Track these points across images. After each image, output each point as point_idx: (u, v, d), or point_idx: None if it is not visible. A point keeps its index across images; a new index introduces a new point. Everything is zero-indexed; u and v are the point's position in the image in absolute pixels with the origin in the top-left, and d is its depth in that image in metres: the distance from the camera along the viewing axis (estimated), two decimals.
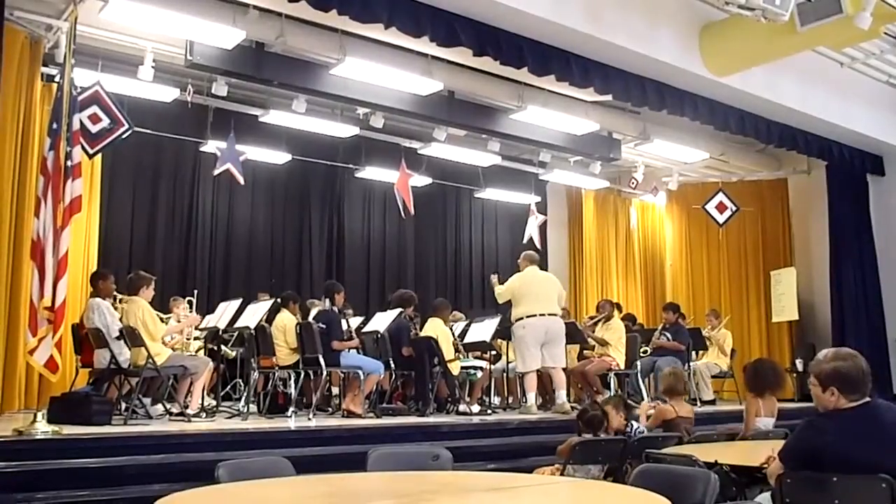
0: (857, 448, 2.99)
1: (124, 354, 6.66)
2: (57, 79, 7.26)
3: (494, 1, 6.61)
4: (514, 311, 8.14)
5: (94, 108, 7.10)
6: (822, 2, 6.62)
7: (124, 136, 7.43)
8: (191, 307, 8.53)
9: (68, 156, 5.43)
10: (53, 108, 5.64)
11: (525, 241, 11.58)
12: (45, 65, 7.69)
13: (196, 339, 8.33)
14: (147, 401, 6.98)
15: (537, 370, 8.03)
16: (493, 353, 8.90)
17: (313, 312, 8.24)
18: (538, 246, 11.64)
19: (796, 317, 11.68)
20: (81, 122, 6.82)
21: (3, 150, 6.77)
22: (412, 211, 10.42)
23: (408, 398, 8.37)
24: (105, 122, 7.16)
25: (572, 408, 7.75)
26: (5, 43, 5.71)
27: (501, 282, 8.39)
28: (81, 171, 5.66)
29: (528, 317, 7.96)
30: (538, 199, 12.40)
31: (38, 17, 7.18)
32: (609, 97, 8.68)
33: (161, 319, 7.17)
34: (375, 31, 7.10)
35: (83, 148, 6.65)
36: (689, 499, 2.87)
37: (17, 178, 6.99)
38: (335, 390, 8.48)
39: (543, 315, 7.98)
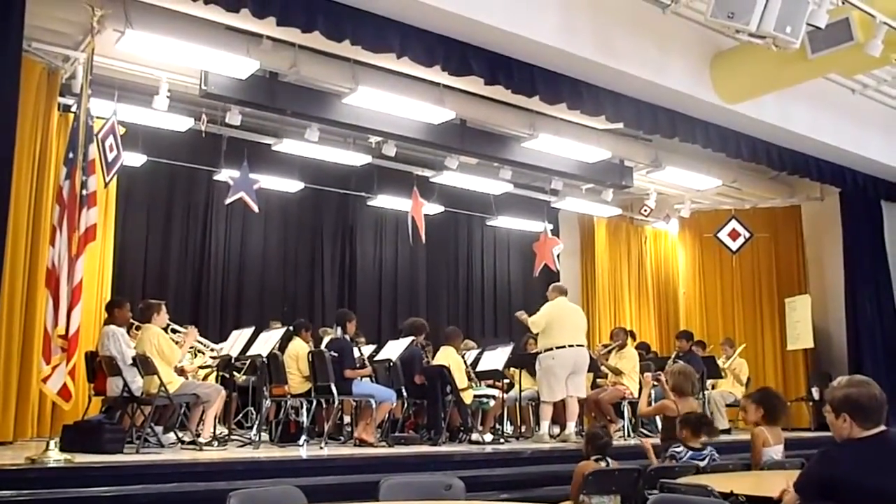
0: (871, 478, 2.95)
1: (137, 382, 6.65)
2: (73, 109, 7.36)
3: (506, 30, 6.66)
4: (541, 342, 8.10)
5: (111, 139, 7.20)
6: (832, 29, 6.62)
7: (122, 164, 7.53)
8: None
9: (84, 185, 5.49)
10: (70, 138, 5.70)
11: (536, 273, 11.50)
12: (61, 95, 7.78)
13: (207, 366, 8.32)
14: (159, 429, 6.98)
15: None
16: (506, 381, 8.85)
17: (325, 340, 8.22)
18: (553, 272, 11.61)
19: (811, 344, 11.53)
20: (103, 149, 6.92)
21: (19, 179, 6.81)
22: (423, 239, 10.43)
23: (420, 427, 8.33)
24: (115, 151, 7.26)
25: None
26: (23, 74, 5.82)
27: (530, 314, 8.28)
28: (96, 200, 5.71)
29: (557, 347, 7.95)
30: (551, 226, 12.39)
31: (56, 48, 7.27)
32: (621, 125, 8.69)
33: (176, 342, 7.18)
34: (388, 60, 7.15)
35: (102, 175, 6.71)
36: None
37: (32, 207, 7.05)
38: (347, 419, 8.45)
39: (573, 346, 7.99)
